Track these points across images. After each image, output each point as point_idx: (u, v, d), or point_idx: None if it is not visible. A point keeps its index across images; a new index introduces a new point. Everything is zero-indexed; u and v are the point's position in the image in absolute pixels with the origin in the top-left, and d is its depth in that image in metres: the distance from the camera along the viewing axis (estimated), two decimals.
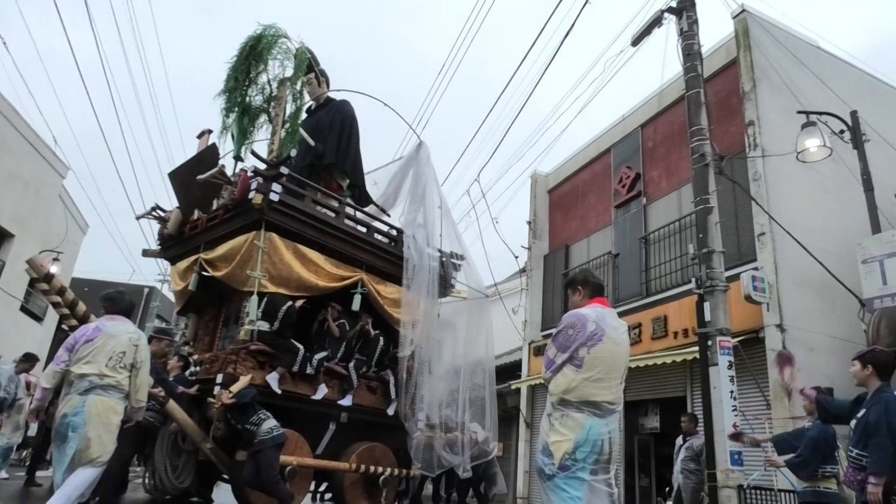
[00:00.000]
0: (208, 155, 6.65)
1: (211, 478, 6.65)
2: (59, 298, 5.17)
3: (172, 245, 7.36)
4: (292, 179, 6.47)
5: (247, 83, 6.62)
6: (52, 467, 4.58)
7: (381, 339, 7.02)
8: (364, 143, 7.90)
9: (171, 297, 10.26)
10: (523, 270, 14.32)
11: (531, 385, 12.37)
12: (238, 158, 6.86)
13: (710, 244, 6.66)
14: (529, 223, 14.27)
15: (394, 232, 7.54)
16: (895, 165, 8.37)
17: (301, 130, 6.85)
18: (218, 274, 6.36)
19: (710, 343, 6.33)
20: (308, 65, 7.10)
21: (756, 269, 7.86)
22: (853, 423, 3.95)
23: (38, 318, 17.73)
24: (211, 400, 5.45)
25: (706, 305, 6.46)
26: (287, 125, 6.54)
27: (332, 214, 6.82)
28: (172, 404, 5.48)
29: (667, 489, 8.33)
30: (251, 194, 5.91)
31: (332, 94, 8.03)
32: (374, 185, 8.42)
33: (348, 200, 7.47)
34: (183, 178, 6.82)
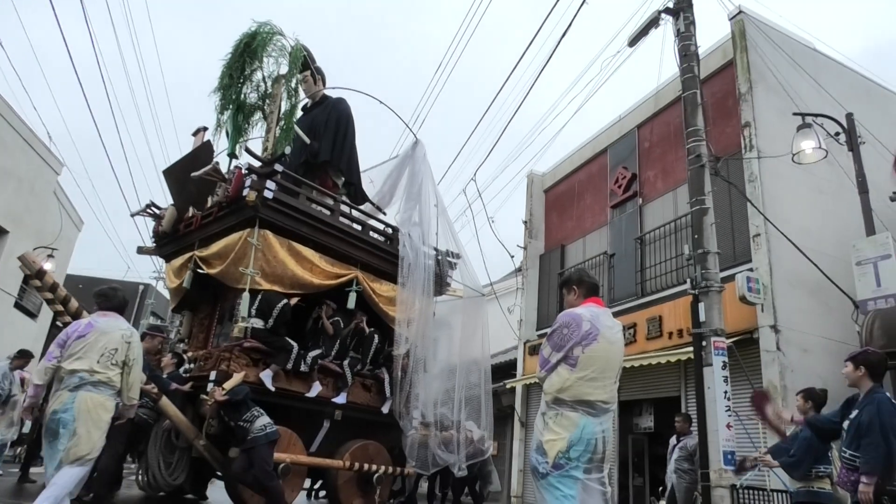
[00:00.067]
0: (203, 152, 6.64)
1: (205, 475, 6.64)
2: (51, 295, 5.15)
3: (167, 242, 7.34)
4: (287, 177, 6.46)
5: (241, 80, 6.61)
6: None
7: (376, 336, 7.02)
8: (360, 141, 7.90)
9: (167, 294, 10.24)
10: (519, 270, 14.33)
11: (526, 384, 12.39)
12: (232, 156, 6.85)
13: (706, 245, 6.68)
14: (525, 223, 14.28)
15: (389, 230, 7.53)
16: (890, 167, 8.40)
17: (296, 128, 6.84)
18: (212, 271, 6.35)
19: (704, 343, 6.35)
20: (304, 62, 7.09)
21: (751, 270, 7.88)
22: (846, 424, 3.96)
23: (33, 315, 17.66)
24: (204, 397, 5.44)
25: (701, 306, 6.48)
26: (282, 122, 6.53)
27: (328, 212, 6.81)
28: (165, 401, 5.46)
29: (660, 488, 8.34)
30: (245, 191, 5.90)
31: (328, 92, 8.02)
32: (371, 184, 8.42)
33: (343, 198, 7.46)
34: (178, 175, 6.80)
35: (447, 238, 7.97)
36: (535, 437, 3.16)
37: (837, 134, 8.10)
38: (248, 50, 6.48)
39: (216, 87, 6.63)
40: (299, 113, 7.44)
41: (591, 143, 12.98)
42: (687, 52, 7.43)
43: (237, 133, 6.70)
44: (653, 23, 7.87)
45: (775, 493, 6.17)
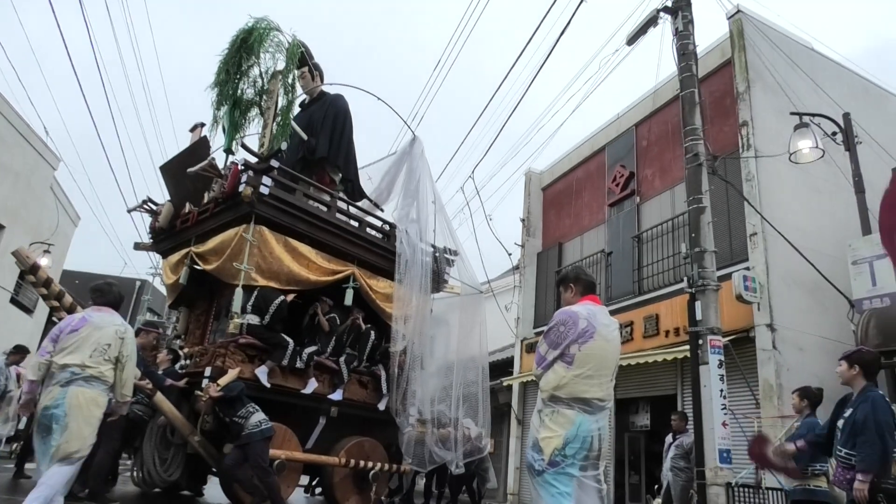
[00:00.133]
0: (200, 148, 6.62)
1: (201, 471, 6.63)
2: (46, 290, 5.13)
3: (164, 238, 7.32)
4: (283, 173, 6.44)
5: (238, 76, 6.59)
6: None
7: (373, 333, 7.01)
8: (358, 138, 7.88)
9: (163, 290, 10.21)
10: (516, 268, 14.34)
11: (523, 382, 12.40)
12: (229, 152, 6.83)
13: (703, 244, 6.68)
14: (523, 220, 14.28)
15: (386, 227, 7.52)
16: (886, 168, 8.41)
17: (293, 124, 6.82)
18: (209, 267, 6.33)
19: (700, 342, 6.36)
20: (301, 59, 7.07)
21: (747, 268, 7.89)
22: (840, 422, 3.97)
23: (29, 311, 17.60)
24: (198, 393, 5.43)
25: (697, 304, 6.49)
26: (278, 118, 6.51)
27: (324, 209, 6.79)
28: (160, 397, 5.45)
29: (656, 486, 8.36)
30: (241, 187, 5.89)
31: (325, 89, 8.00)
32: (369, 180, 8.41)
33: (341, 195, 7.44)
34: (174, 171, 6.78)
35: (445, 235, 7.96)
36: (531, 435, 3.16)
37: (834, 133, 8.12)
38: (245, 46, 6.46)
39: (212, 83, 6.61)
40: (297, 109, 7.43)
41: (590, 142, 12.98)
42: (685, 51, 7.42)
43: (233, 129, 6.68)
44: (651, 21, 7.87)
45: (770, 492, 6.19)
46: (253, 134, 6.88)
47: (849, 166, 8.00)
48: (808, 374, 6.87)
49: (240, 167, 6.10)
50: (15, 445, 11.48)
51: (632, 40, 8.19)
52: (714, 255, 6.73)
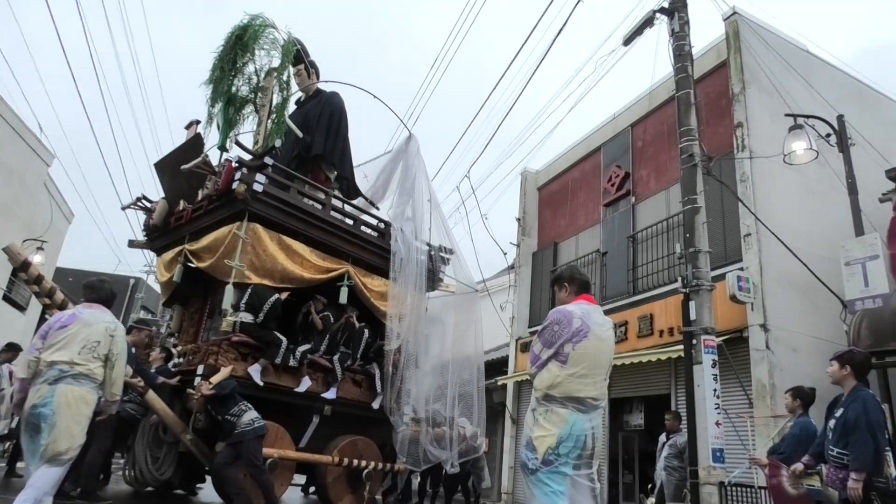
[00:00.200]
0: (193, 145, 6.59)
1: (195, 470, 6.59)
2: (37, 287, 5.09)
3: (158, 236, 7.28)
4: (277, 170, 6.42)
5: (233, 73, 6.55)
6: None
7: (367, 332, 6.99)
8: (354, 136, 7.85)
9: (157, 288, 10.16)
10: (512, 267, 14.34)
11: (518, 381, 12.40)
12: (223, 149, 6.80)
13: (697, 244, 6.70)
14: (519, 220, 14.28)
15: (381, 225, 7.50)
16: (879, 169, 8.46)
17: (289, 122, 6.79)
18: (202, 265, 6.30)
19: (694, 342, 6.38)
20: (297, 56, 7.05)
21: (741, 269, 7.91)
22: (831, 423, 3.99)
23: (22, 308, 17.50)
24: (191, 391, 5.40)
25: (692, 304, 6.51)
26: (273, 116, 6.48)
27: (319, 206, 6.77)
28: (152, 395, 5.42)
29: (650, 486, 8.38)
30: (234, 184, 5.86)
31: (321, 86, 7.97)
32: (364, 178, 8.38)
33: (336, 192, 7.42)
34: (169, 168, 6.75)
35: (440, 234, 7.95)
36: (525, 434, 3.16)
37: (828, 135, 8.15)
38: (240, 42, 6.43)
39: (207, 80, 6.58)
40: (292, 106, 7.40)
41: (585, 142, 12.99)
42: (681, 52, 7.44)
43: (227, 126, 6.65)
44: (648, 22, 7.88)
45: (763, 490, 6.21)
46: (247, 131, 6.85)
47: (842, 168, 8.03)
48: (802, 374, 6.89)
49: (234, 164, 6.08)
50: (7, 444, 11.40)
51: (628, 41, 8.20)
52: (708, 256, 6.75)
